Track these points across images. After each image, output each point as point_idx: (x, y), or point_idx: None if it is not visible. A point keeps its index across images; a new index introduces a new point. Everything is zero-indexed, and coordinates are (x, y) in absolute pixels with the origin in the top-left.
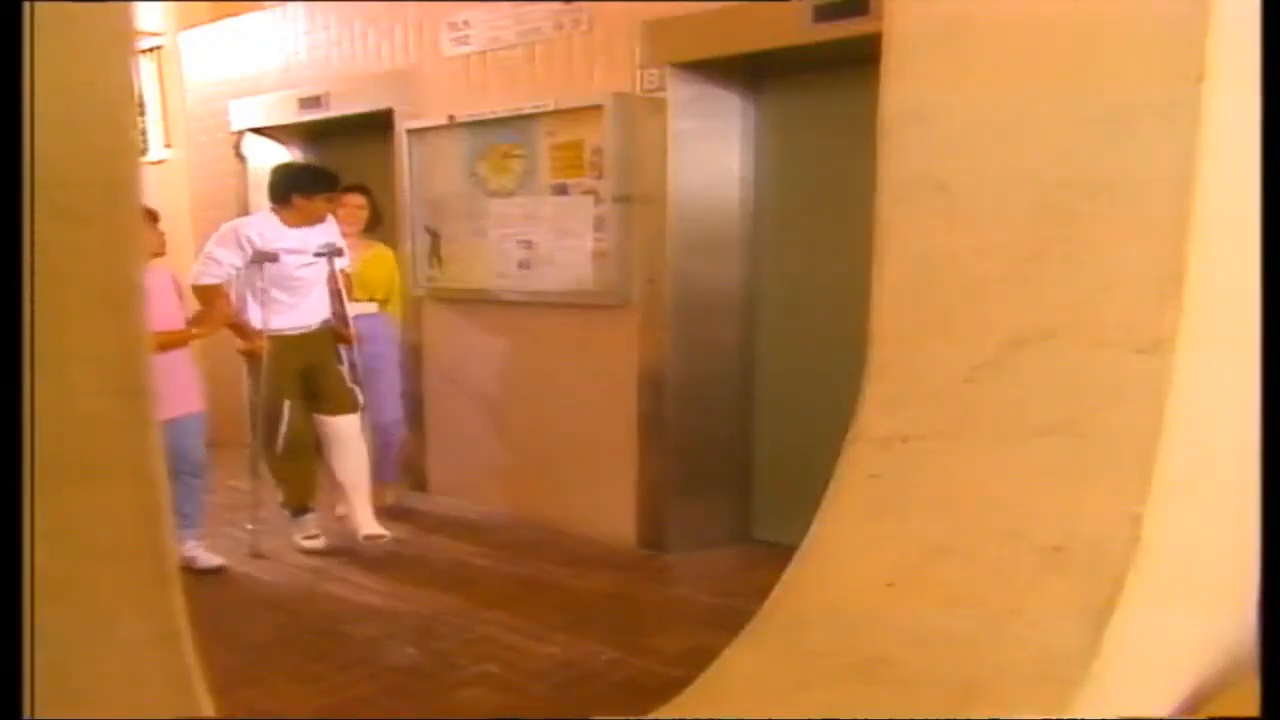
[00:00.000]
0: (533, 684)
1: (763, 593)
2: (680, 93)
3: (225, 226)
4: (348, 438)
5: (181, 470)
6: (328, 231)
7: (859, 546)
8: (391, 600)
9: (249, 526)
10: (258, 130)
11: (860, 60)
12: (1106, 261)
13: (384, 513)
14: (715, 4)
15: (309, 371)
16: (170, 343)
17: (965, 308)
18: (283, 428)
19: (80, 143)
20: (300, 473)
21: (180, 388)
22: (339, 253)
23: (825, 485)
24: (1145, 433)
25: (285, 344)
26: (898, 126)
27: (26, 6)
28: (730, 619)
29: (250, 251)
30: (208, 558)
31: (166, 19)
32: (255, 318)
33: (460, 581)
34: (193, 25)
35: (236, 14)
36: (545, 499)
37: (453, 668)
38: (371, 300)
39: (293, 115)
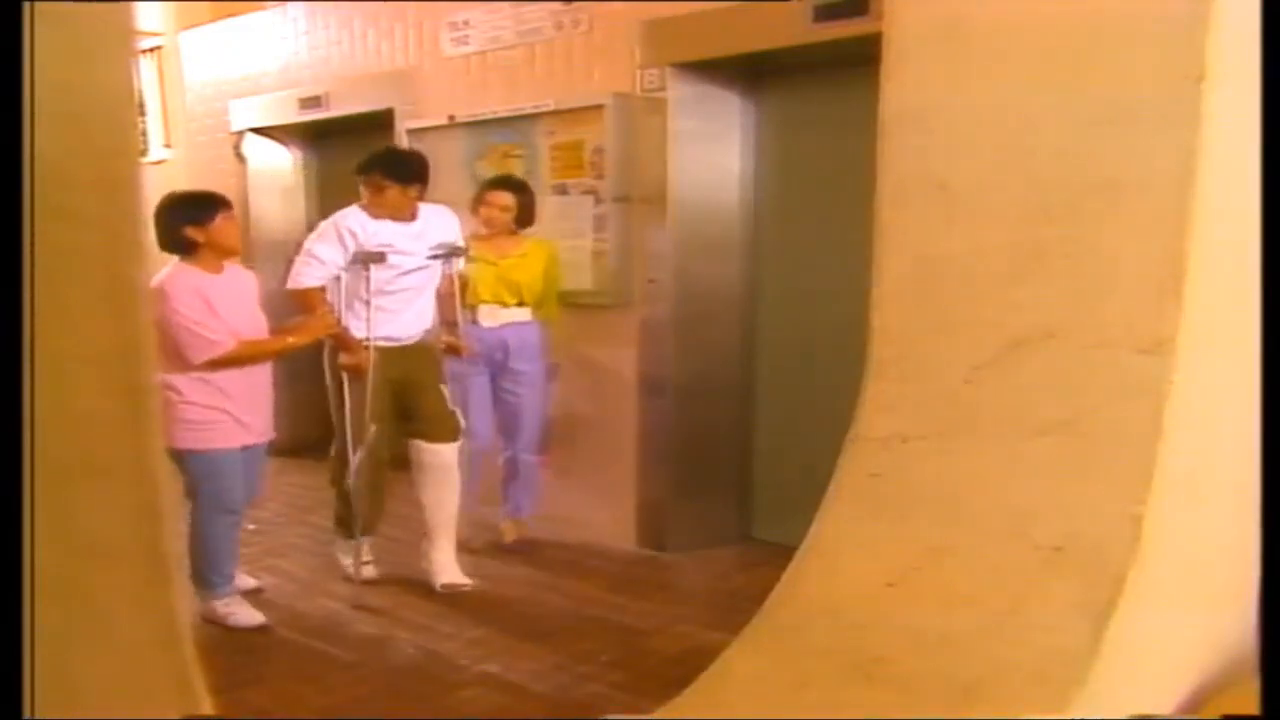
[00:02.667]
0: (533, 684)
1: (763, 593)
2: (680, 93)
3: (324, 222)
4: (444, 468)
5: (233, 507)
6: (446, 229)
7: (859, 546)
8: (391, 600)
9: (250, 527)
10: (258, 130)
11: (860, 60)
12: (1106, 261)
13: (504, 550)
14: (715, 4)
15: (404, 389)
16: (263, 353)
17: (965, 308)
18: (362, 451)
19: (81, 143)
20: (370, 496)
21: (265, 409)
22: (459, 253)
23: (825, 485)
24: (1145, 433)
25: (379, 357)
26: (898, 126)
27: (26, 6)
28: (730, 619)
29: (352, 249)
30: (242, 579)
31: (166, 19)
32: (353, 327)
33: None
34: (193, 25)
35: (236, 14)
36: (545, 499)
37: (453, 668)
38: (521, 305)
39: (293, 115)
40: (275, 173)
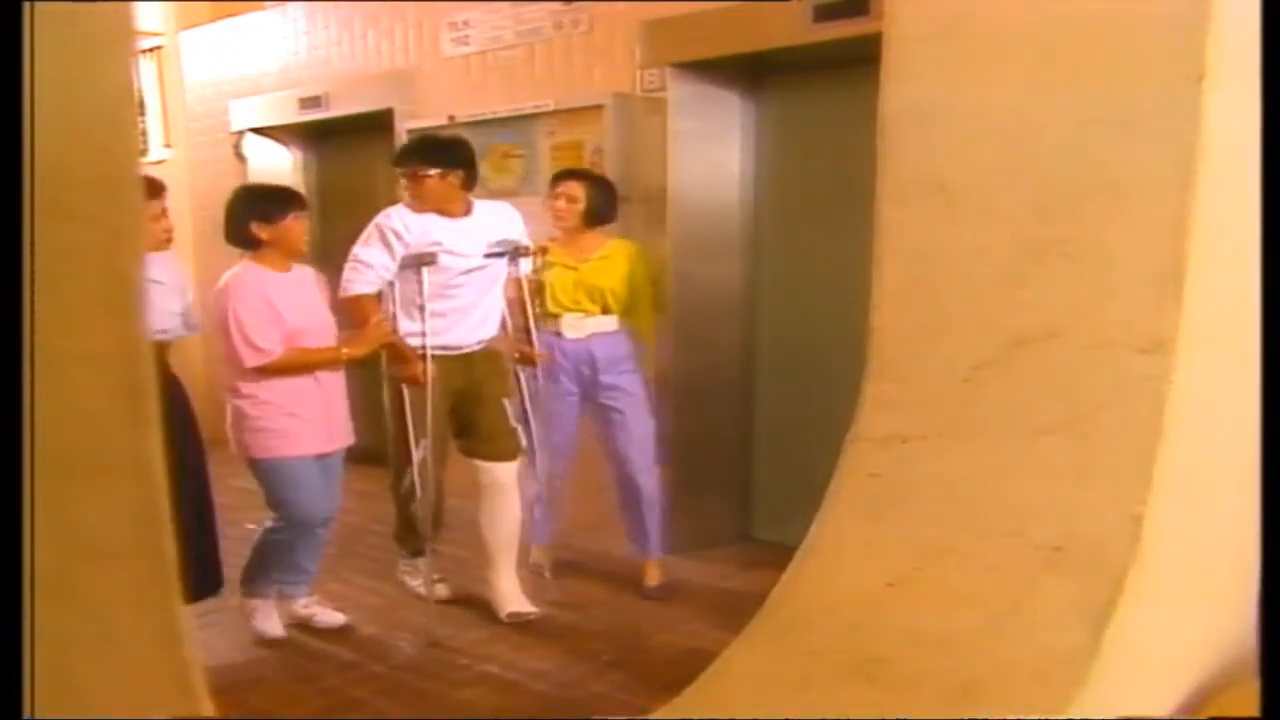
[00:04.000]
0: (533, 684)
1: (763, 593)
2: (680, 93)
3: (371, 224)
4: (504, 489)
5: (310, 518)
6: (506, 225)
7: (859, 546)
8: (390, 600)
9: (249, 526)
10: (258, 130)
11: (860, 60)
12: (1106, 261)
13: (647, 595)
14: (715, 4)
15: (463, 402)
16: (313, 363)
17: (965, 308)
18: (413, 470)
19: (81, 142)
20: (424, 512)
21: (339, 415)
22: (523, 252)
23: (825, 485)
24: (1145, 433)
25: (436, 368)
26: (898, 126)
27: (26, 6)
28: (730, 619)
29: (400, 251)
30: (329, 615)
31: (166, 19)
32: (409, 335)
33: (460, 580)
34: (193, 25)
35: (236, 14)
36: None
37: (453, 668)
38: (606, 312)
39: (293, 115)
40: (275, 173)
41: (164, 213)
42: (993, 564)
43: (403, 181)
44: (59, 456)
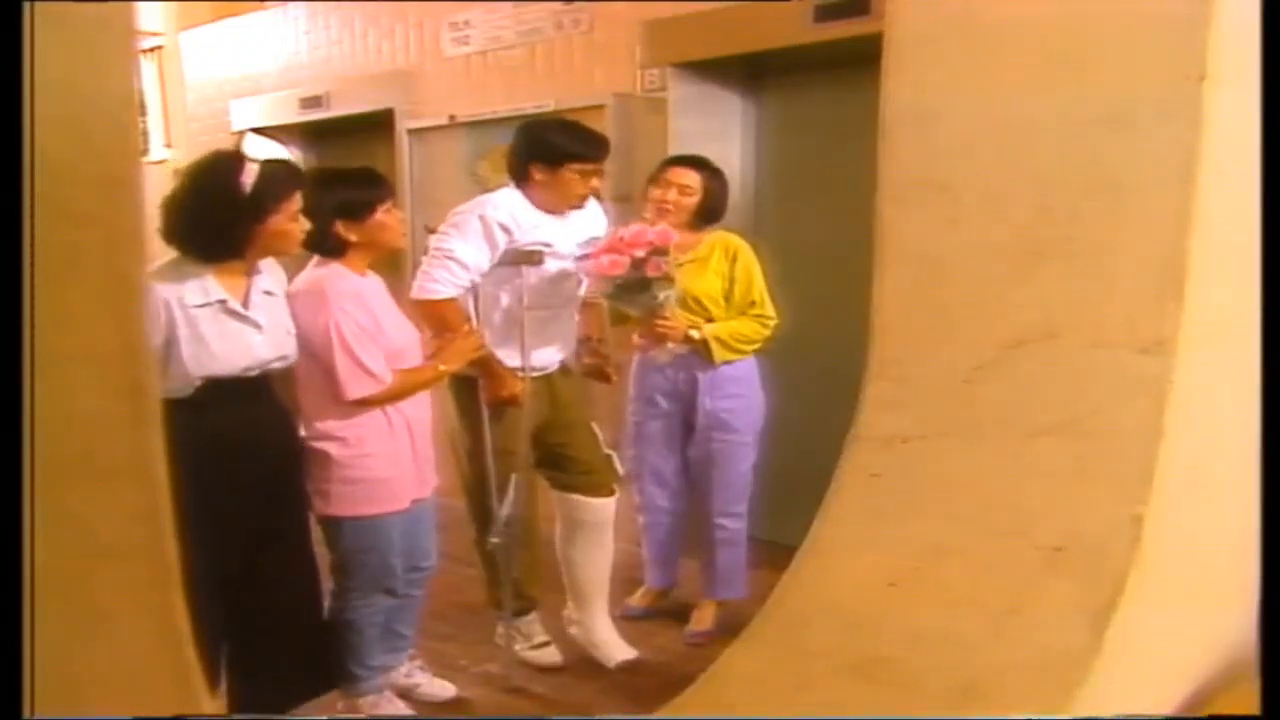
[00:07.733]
0: (533, 684)
1: (763, 593)
2: (680, 93)
3: (458, 212)
4: (602, 526)
5: (407, 578)
6: (591, 222)
7: (859, 546)
8: None
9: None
10: (258, 130)
11: (860, 60)
12: (1106, 261)
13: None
14: (715, 4)
15: (549, 430)
16: (416, 386)
17: (965, 308)
18: (505, 510)
19: (82, 143)
20: (520, 562)
21: (427, 458)
22: None
23: (825, 485)
24: (1146, 433)
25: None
26: (898, 127)
27: (26, 6)
28: (730, 619)
29: (503, 246)
30: (436, 685)
31: (167, 19)
32: (499, 350)
33: (461, 581)
34: (193, 25)
35: (237, 14)
36: (545, 500)
37: (453, 668)
38: (711, 324)
39: (293, 115)
40: None
41: (301, 208)
42: (993, 564)
43: (538, 175)
44: (59, 456)
